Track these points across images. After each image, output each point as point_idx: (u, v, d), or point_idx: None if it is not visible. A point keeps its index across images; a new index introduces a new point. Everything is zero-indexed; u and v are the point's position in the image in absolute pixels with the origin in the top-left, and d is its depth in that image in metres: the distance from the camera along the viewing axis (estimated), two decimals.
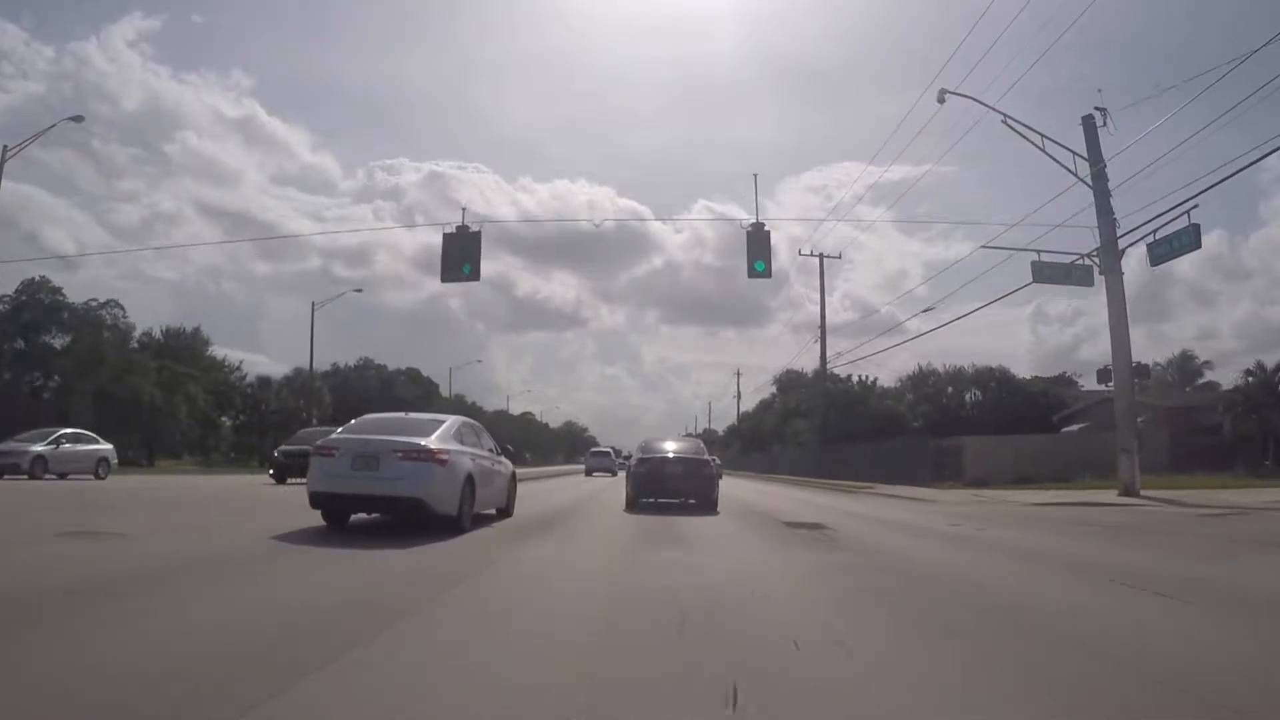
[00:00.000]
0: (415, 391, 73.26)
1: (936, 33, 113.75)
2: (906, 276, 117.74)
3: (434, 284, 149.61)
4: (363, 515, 9.05)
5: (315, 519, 8.83)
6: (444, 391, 76.80)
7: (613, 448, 52.77)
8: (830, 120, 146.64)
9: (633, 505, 13.87)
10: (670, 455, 14.71)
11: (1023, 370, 52.94)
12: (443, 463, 8.38)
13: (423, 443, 8.44)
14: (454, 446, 8.95)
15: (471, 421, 10.66)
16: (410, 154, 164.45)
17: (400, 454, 8.18)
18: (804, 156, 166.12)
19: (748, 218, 22.66)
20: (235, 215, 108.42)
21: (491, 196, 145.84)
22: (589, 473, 39.40)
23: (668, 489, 14.22)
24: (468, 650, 3.56)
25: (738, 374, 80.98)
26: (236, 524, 9.46)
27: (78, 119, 33.84)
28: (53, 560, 6.01)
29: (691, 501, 13.95)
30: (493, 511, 10.80)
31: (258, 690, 2.74)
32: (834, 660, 3.46)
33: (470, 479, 8.96)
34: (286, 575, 5.63)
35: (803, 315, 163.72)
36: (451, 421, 9.59)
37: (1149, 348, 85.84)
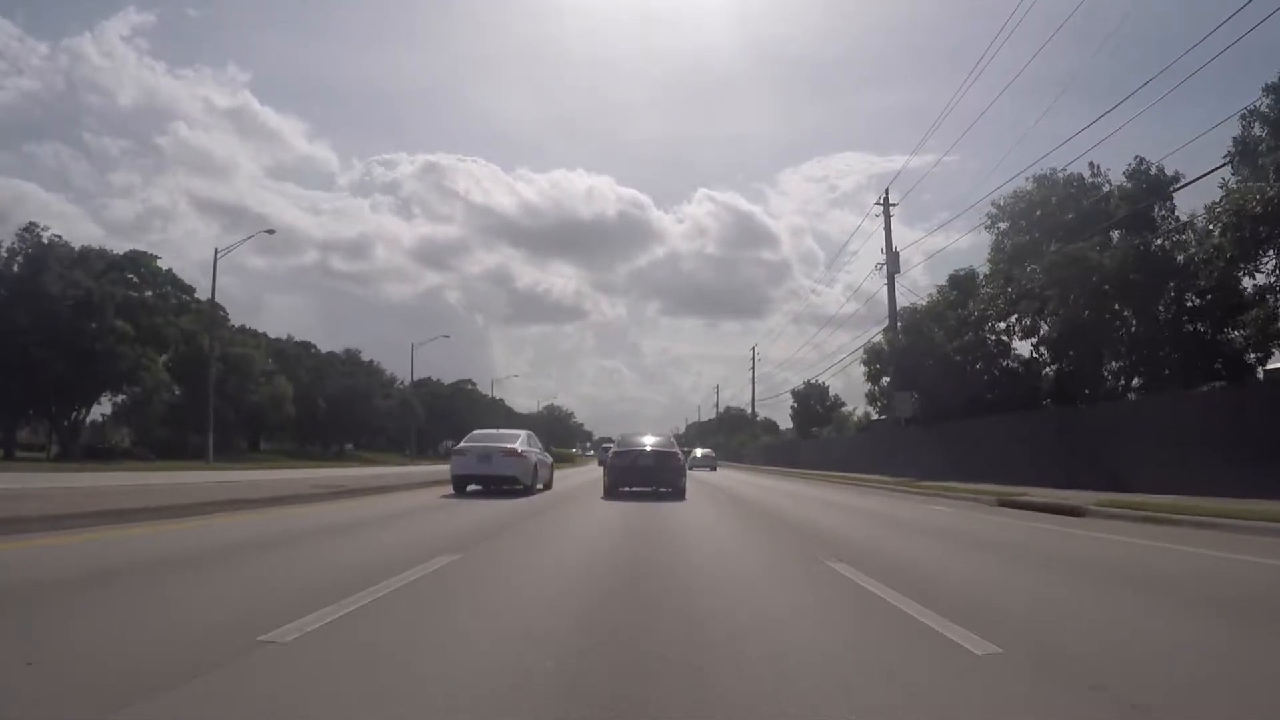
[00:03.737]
0: (158, 317, 44.64)
1: (931, 24, 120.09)
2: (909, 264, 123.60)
3: (433, 276, 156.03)
4: (475, 486, 16.56)
5: (450, 489, 16.38)
6: (234, 321, 54.25)
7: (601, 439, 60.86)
8: (828, 112, 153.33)
9: (610, 493, 16.26)
10: (646, 449, 17.41)
11: None
12: (524, 457, 16.07)
13: (511, 446, 16.07)
14: (526, 448, 16.53)
15: (530, 432, 18.26)
16: (408, 148, 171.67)
17: (503, 453, 15.84)
18: (803, 148, 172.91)
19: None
20: (231, 209, 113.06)
21: (489, 186, 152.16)
22: (600, 463, 47.35)
23: (642, 479, 16.93)
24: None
25: (885, 208, 31.60)
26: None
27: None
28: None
29: (664, 490, 16.48)
30: (540, 487, 18.19)
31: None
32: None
33: (535, 466, 16.60)
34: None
35: (804, 305, 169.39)
36: (524, 433, 17.34)
37: None
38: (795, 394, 63.12)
